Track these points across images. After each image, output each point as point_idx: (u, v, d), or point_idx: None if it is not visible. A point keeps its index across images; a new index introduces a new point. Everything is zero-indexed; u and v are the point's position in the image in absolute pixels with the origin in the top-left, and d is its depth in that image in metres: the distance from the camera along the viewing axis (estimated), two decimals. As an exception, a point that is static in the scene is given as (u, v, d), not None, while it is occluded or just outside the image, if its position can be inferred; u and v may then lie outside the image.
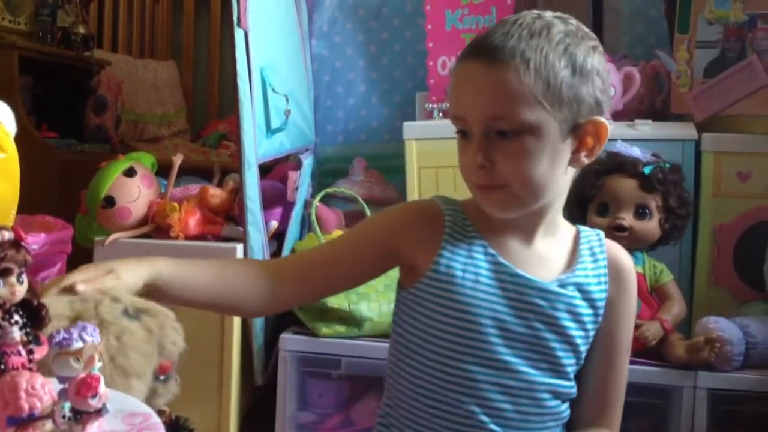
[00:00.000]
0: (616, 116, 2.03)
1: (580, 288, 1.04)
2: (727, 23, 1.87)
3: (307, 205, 2.18)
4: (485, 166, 0.97)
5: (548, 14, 1.01)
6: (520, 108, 0.95)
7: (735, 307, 1.82)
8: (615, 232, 1.74)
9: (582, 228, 1.12)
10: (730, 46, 1.88)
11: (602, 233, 1.12)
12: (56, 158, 2.73)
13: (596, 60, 1.00)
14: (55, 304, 0.81)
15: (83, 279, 0.89)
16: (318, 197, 2.10)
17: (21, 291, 0.66)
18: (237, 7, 1.80)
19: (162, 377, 0.84)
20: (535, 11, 1.02)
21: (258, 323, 1.89)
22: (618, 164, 1.78)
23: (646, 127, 1.91)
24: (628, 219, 1.74)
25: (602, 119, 1.00)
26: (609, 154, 1.80)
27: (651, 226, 1.75)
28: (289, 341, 1.86)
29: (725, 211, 1.86)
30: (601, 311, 1.06)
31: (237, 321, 1.87)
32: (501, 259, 1.03)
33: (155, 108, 3.41)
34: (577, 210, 1.83)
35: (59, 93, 3.13)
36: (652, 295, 1.75)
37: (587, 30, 1.02)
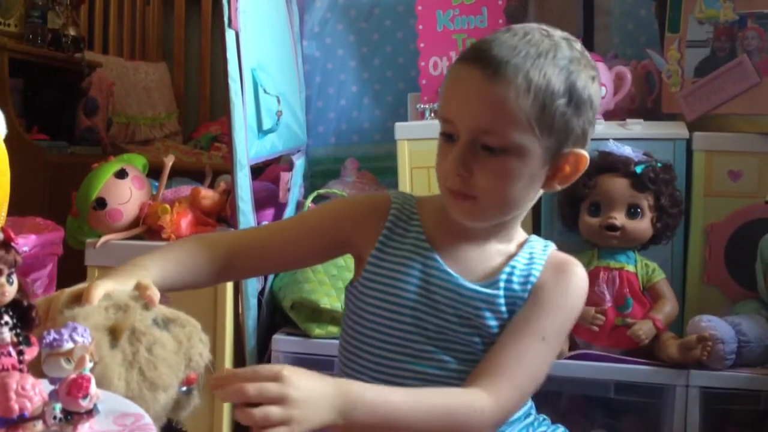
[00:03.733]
0: (608, 116, 2.04)
1: (504, 286, 1.05)
2: (718, 23, 1.88)
3: (299, 206, 2.18)
4: (463, 175, 0.99)
5: (557, 34, 1.02)
6: (511, 128, 0.96)
7: (727, 306, 1.83)
8: (607, 231, 1.74)
9: (534, 237, 1.12)
10: (721, 45, 1.88)
11: (552, 246, 1.12)
12: (47, 160, 2.72)
13: (593, 90, 1.01)
14: (93, 314, 0.81)
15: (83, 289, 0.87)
16: (310, 198, 2.10)
17: (11, 292, 0.65)
18: (228, 8, 1.80)
19: (185, 389, 0.83)
20: (544, 28, 1.02)
21: (250, 324, 1.88)
22: (610, 164, 1.78)
23: (637, 127, 1.92)
24: (620, 218, 1.74)
25: (584, 152, 1.03)
26: (600, 154, 1.81)
27: (643, 225, 1.75)
28: (282, 342, 1.86)
29: (717, 210, 1.87)
30: (522, 303, 1.04)
31: (229, 322, 1.86)
32: (435, 255, 1.06)
33: (146, 110, 3.40)
34: (569, 210, 1.84)
35: (50, 95, 3.11)
36: (644, 294, 1.75)
37: (590, 58, 1.03)
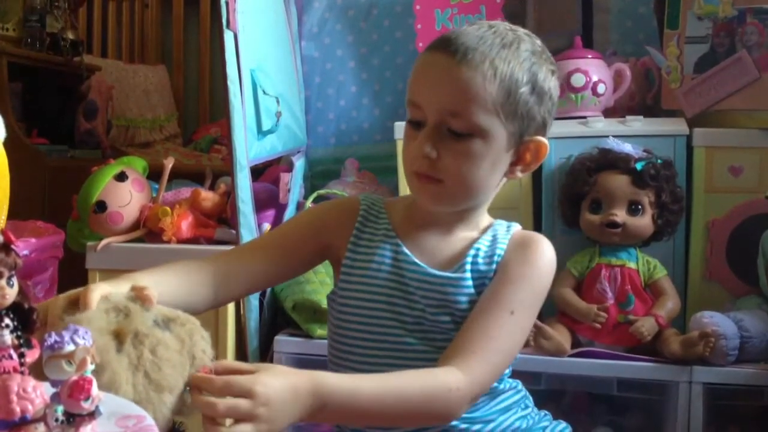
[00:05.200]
0: (607, 113, 2.04)
1: (471, 268, 1.07)
2: (717, 18, 1.88)
3: (299, 206, 2.18)
4: (430, 157, 1.02)
5: (521, 30, 1.08)
6: (477, 111, 1.00)
7: (729, 302, 1.82)
8: (608, 228, 1.74)
9: (499, 221, 1.14)
10: (720, 41, 1.88)
11: (517, 226, 1.14)
12: (47, 164, 2.72)
13: (552, 83, 1.06)
14: (95, 319, 0.80)
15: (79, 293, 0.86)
16: (310, 199, 2.10)
17: (11, 294, 0.65)
18: (226, 9, 1.80)
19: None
20: (508, 24, 1.08)
21: (252, 326, 1.88)
22: (610, 161, 1.78)
23: (637, 124, 1.92)
24: (621, 215, 1.74)
25: (545, 140, 1.08)
26: (601, 151, 1.81)
27: (644, 222, 1.75)
28: (284, 343, 1.86)
29: (718, 206, 1.86)
30: (490, 279, 1.07)
31: (231, 324, 1.86)
32: (405, 249, 1.08)
33: (146, 113, 3.40)
34: (570, 207, 1.83)
35: (49, 99, 3.11)
36: (646, 291, 1.75)
37: (549, 53, 1.09)
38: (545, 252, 1.09)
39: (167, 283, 1.01)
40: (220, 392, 0.81)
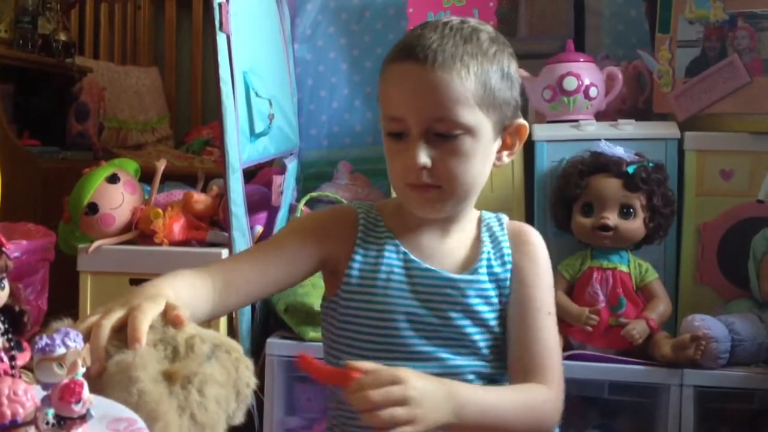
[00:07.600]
0: (599, 116, 2.04)
1: (487, 271, 1.08)
2: (708, 23, 1.89)
3: (292, 209, 2.17)
4: (426, 167, 1.01)
5: (470, 20, 1.08)
6: (461, 111, 1.00)
7: (720, 305, 1.83)
8: (600, 231, 1.74)
9: (486, 214, 1.16)
10: (711, 45, 1.89)
11: (505, 217, 1.16)
12: (38, 166, 2.71)
13: (514, 66, 1.08)
14: (148, 360, 0.76)
15: (119, 318, 0.80)
16: (303, 201, 2.10)
17: (2, 297, 0.65)
18: (219, 11, 1.80)
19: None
20: (457, 17, 1.08)
21: (244, 328, 1.88)
22: (602, 164, 1.79)
23: (629, 127, 1.92)
24: (612, 218, 1.74)
25: (524, 121, 1.10)
26: (593, 154, 1.81)
27: (635, 225, 1.76)
28: (276, 346, 1.85)
29: (709, 210, 1.87)
30: (508, 283, 1.09)
31: (223, 326, 1.86)
32: (412, 256, 1.08)
33: (138, 115, 3.39)
34: (562, 210, 1.84)
35: (41, 101, 3.11)
36: (637, 294, 1.75)
37: (503, 37, 1.09)
38: (541, 243, 1.14)
39: (184, 298, 0.95)
40: (379, 405, 0.87)
